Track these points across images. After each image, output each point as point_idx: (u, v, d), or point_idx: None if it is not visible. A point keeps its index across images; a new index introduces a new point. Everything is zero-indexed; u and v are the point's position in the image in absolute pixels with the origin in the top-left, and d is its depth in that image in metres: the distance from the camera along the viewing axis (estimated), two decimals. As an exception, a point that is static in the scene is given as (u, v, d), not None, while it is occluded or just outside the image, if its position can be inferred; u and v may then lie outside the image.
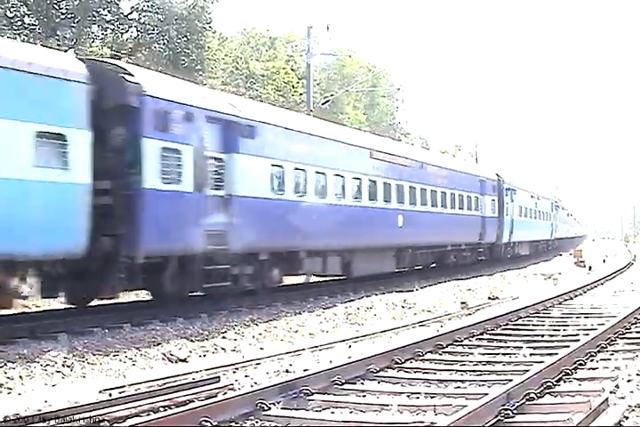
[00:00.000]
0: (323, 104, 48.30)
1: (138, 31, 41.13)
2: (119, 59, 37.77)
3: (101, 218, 15.80)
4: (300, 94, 50.64)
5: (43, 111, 14.74)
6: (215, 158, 19.12)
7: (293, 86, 52.93)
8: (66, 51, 34.72)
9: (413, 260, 32.10)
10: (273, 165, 21.37)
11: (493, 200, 42.56)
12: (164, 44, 40.84)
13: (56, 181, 14.88)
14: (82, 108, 15.56)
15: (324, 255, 24.48)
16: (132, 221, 16.67)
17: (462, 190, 37.37)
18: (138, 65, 37.16)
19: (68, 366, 12.74)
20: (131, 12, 40.74)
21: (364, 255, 27.01)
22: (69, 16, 38.26)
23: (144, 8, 40.31)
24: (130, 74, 17.37)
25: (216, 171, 19.10)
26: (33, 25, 37.58)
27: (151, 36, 40.90)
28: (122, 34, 41.27)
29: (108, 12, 39.97)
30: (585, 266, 43.97)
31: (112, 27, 40.48)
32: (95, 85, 15.94)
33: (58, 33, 37.66)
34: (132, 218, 16.70)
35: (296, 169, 22.46)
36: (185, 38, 40.84)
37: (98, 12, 39.38)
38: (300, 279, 30.43)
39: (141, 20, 40.72)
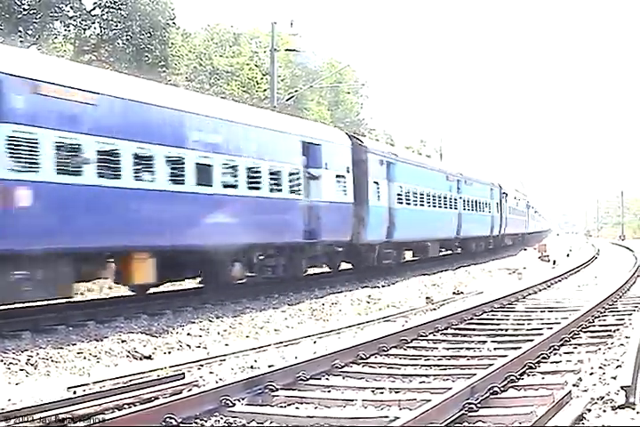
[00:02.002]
0: (287, 100, 48.22)
1: (101, 27, 40.96)
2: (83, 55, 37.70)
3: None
4: (264, 90, 50.52)
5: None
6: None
7: (257, 82, 52.80)
8: (28, 47, 34.59)
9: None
10: None
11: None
12: (127, 40, 40.65)
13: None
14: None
15: None
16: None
17: None
18: (102, 61, 37.13)
19: (32, 365, 12.67)
20: (93, 8, 40.52)
21: None
22: (32, 12, 37.99)
23: (107, 4, 40.10)
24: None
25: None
26: (-5, 21, 37.30)
27: (114, 32, 40.72)
28: (85, 30, 41.07)
29: (71, 8, 39.74)
30: (549, 260, 44.21)
31: (75, 23, 40.28)
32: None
33: (20, 29, 37.38)
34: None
35: None
36: (148, 34, 40.67)
37: (60, 8, 39.14)
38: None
39: (104, 16, 40.53)
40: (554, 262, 42.16)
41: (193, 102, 21.49)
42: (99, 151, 17.02)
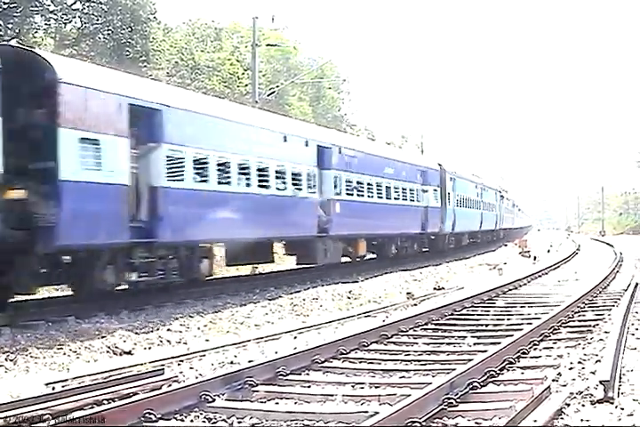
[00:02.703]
0: (268, 95, 48.16)
1: (82, 21, 40.81)
2: (63, 49, 37.53)
3: None
4: (246, 86, 50.39)
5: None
6: None
7: (239, 78, 52.68)
8: (8, 41, 34.37)
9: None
10: None
11: None
12: (108, 34, 40.54)
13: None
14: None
15: None
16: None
17: None
18: (82, 55, 37.00)
19: (11, 361, 12.60)
20: (74, 2, 40.39)
21: None
22: (12, 6, 37.77)
23: (88, -2, 39.95)
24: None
25: None
26: (-27, 15, 37.11)
27: (95, 26, 40.60)
28: (65, 24, 40.93)
29: (52, 1, 39.60)
30: (530, 256, 44.36)
31: (55, 17, 40.10)
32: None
33: (0, 23, 37.16)
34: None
35: None
36: (129, 29, 40.58)
37: (41, 2, 38.98)
38: (247, 270, 30.42)
39: (85, 10, 40.40)
40: (534, 258, 42.31)
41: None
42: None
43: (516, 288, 23.30)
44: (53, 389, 10.05)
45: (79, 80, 16.96)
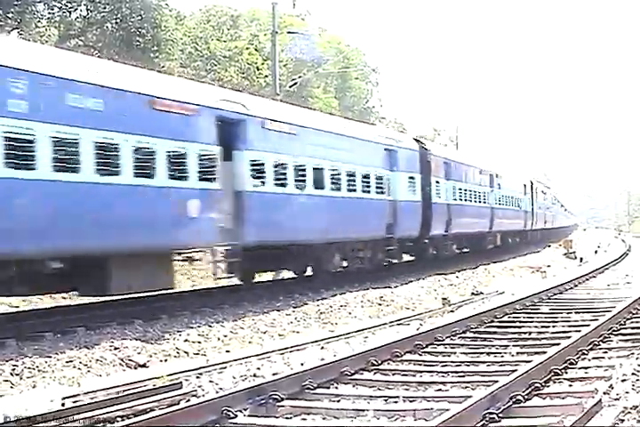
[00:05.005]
0: (290, 87, 48.21)
1: (88, 9, 40.89)
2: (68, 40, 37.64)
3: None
4: (266, 77, 50.49)
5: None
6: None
7: (258, 68, 52.76)
8: (9, 32, 34.54)
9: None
10: None
11: None
12: (116, 23, 40.62)
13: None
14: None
15: None
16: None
17: None
18: (89, 46, 37.10)
19: (17, 375, 12.65)
20: (80, -12, 40.50)
21: None
22: (12, -7, 37.93)
23: (94, -17, 40.05)
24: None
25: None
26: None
27: (102, 14, 40.68)
28: (70, 12, 41.00)
29: (55, -12, 39.70)
30: (576, 257, 44.18)
31: (59, 5, 40.17)
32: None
33: (0, 12, 37.32)
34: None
35: None
36: (139, 17, 40.63)
37: (43, -11, 39.13)
38: (269, 276, 30.41)
39: (91, -3, 40.47)
40: (581, 260, 42.17)
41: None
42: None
43: (562, 293, 23.20)
44: (63, 405, 10.08)
45: None
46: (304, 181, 24.87)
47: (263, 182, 22.65)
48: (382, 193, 30.30)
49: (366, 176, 29.00)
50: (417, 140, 36.77)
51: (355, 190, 28.13)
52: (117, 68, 20.18)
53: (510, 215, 51.57)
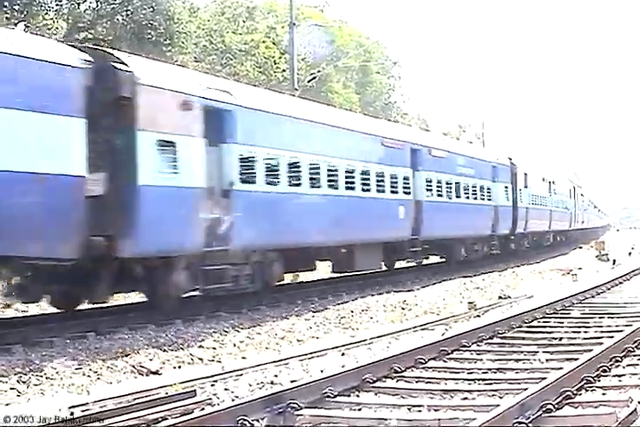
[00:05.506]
0: (309, 81, 48.20)
1: (97, 1, 40.94)
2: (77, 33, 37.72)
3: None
4: (283, 71, 50.52)
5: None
6: None
7: (275, 62, 52.78)
8: (16, 24, 34.63)
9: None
10: None
11: None
12: (127, 15, 40.63)
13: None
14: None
15: None
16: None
17: None
18: (99, 40, 37.15)
19: (24, 382, 12.67)
20: (89, -21, 40.59)
21: None
22: (18, -16, 38.03)
23: (104, -25, 40.11)
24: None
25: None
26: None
27: (112, 6, 40.72)
28: (79, 4, 41.06)
29: (63, -21, 39.79)
30: (608, 260, 44.03)
31: (68, -4, 40.27)
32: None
33: (6, 4, 37.38)
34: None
35: None
36: (151, 9, 40.63)
37: (51, -20, 39.22)
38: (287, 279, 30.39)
39: (101, -11, 40.54)
40: (614, 262, 41.99)
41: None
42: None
43: (594, 296, 23.12)
44: (72, 414, 10.08)
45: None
46: (467, 195, 36.90)
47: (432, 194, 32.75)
48: (490, 200, 40.37)
49: (482, 188, 39.41)
50: (509, 158, 46.06)
51: (476, 198, 38.51)
52: None
53: (562, 217, 60.91)
